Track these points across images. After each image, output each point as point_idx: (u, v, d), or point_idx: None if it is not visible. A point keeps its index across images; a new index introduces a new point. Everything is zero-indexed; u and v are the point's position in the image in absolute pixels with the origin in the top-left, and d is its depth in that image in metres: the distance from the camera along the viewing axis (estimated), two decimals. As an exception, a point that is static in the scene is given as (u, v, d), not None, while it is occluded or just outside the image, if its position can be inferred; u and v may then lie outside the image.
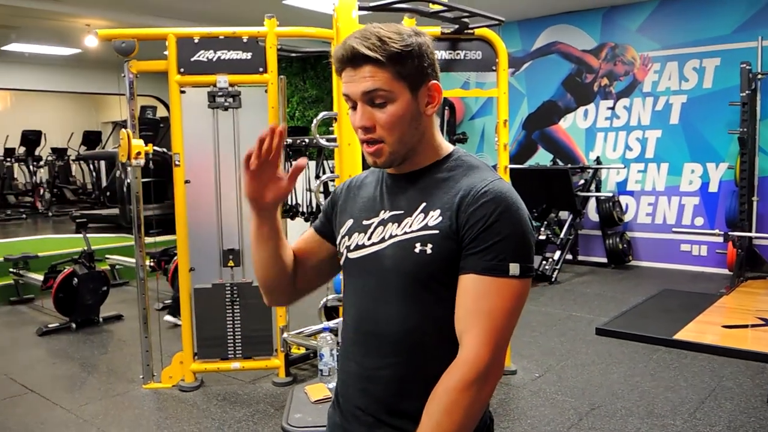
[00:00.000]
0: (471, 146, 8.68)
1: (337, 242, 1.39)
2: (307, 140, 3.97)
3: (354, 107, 1.24)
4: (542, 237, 7.36)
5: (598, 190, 7.65)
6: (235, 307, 3.97)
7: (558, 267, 7.01)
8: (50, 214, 11.82)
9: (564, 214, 7.55)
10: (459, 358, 1.18)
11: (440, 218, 1.21)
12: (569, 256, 7.68)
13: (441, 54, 3.99)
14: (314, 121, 3.66)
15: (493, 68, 4.06)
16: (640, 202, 7.60)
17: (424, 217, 1.23)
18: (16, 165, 12.86)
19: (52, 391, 3.97)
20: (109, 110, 16.15)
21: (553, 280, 6.85)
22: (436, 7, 3.57)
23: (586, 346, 4.66)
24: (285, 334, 4.03)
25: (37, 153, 12.65)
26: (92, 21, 8.56)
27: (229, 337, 3.99)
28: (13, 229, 10.07)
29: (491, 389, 1.19)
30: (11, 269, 6.34)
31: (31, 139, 12.46)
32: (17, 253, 6.51)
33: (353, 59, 1.20)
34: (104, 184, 12.72)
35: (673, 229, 7.10)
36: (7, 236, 9.19)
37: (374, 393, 1.28)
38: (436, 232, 1.21)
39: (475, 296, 1.18)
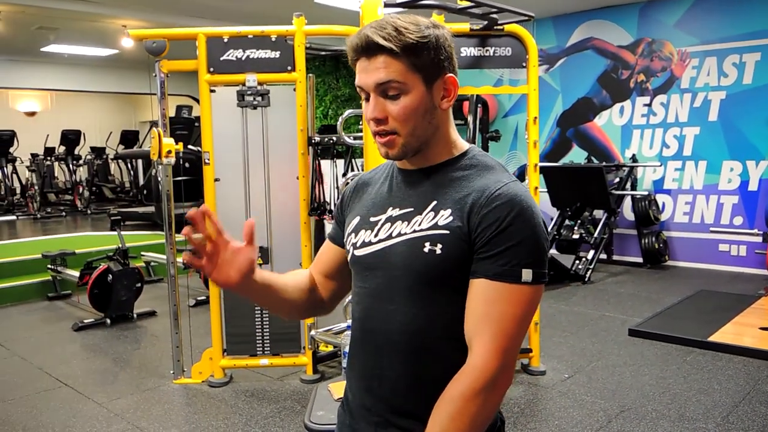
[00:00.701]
0: (504, 144, 8.61)
1: (344, 240, 1.37)
2: (334, 138, 3.96)
3: (367, 98, 1.21)
4: (576, 236, 7.27)
5: (633, 188, 7.51)
6: (263, 304, 3.99)
7: (592, 266, 6.91)
8: (89, 211, 12.06)
9: (598, 213, 7.43)
10: (467, 365, 1.16)
11: (451, 218, 1.19)
12: (603, 256, 7.57)
13: (470, 51, 3.95)
14: (339, 119, 3.66)
15: (523, 65, 4.00)
16: (677, 200, 7.44)
17: (434, 216, 1.20)
18: (56, 164, 13.15)
19: (85, 385, 4.05)
20: (146, 110, 16.42)
21: (586, 279, 6.75)
22: (464, 3, 3.53)
23: (618, 347, 4.58)
24: (313, 332, 4.04)
25: (76, 152, 12.91)
26: (129, 22, 8.71)
27: (257, 334, 4.02)
28: (53, 227, 10.29)
29: (499, 397, 1.17)
30: (49, 266, 6.48)
31: (71, 138, 12.73)
32: (55, 249, 6.66)
33: (367, 49, 1.17)
34: (141, 182, 12.95)
35: (711, 229, 6.95)
36: (46, 233, 9.40)
37: (381, 393, 1.26)
38: (447, 232, 1.18)
39: (485, 302, 1.15)
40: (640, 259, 7.49)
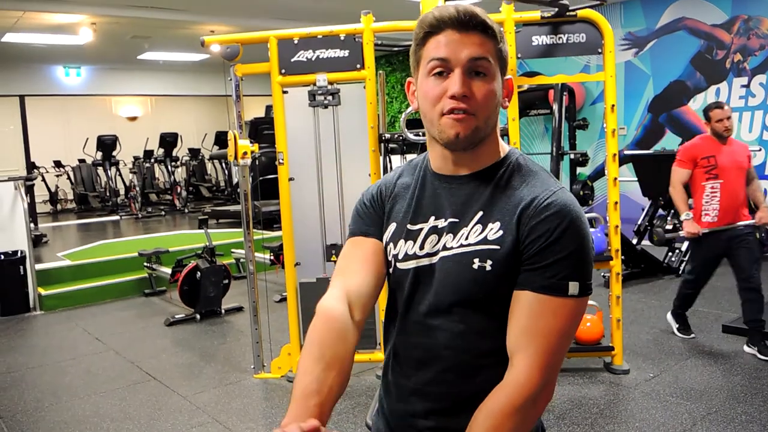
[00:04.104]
0: (592, 133, 8.31)
1: (383, 248, 1.28)
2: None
3: (443, 74, 1.13)
4: (669, 226, 6.92)
5: (731, 175, 7.07)
6: (338, 300, 4.03)
7: (686, 258, 6.56)
8: (186, 210, 12.60)
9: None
10: (508, 379, 1.12)
11: (501, 232, 1.14)
12: (700, 247, 7.17)
13: (541, 39, 3.84)
14: (402, 115, 3.64)
15: (599, 51, 3.85)
16: (780, 187, 6.95)
17: (483, 229, 1.15)
18: (156, 165, 13.81)
19: (171, 378, 4.23)
20: (239, 110, 16.95)
21: (680, 273, 6.43)
22: (531, -9, 3.42)
23: (710, 345, 4.33)
24: (387, 328, 4.05)
25: (174, 154, 13.51)
26: (216, 27, 9.03)
27: (333, 331, 4.06)
28: (153, 226, 10.82)
29: (539, 413, 1.14)
30: (145, 263, 6.82)
31: (169, 140, 13.32)
32: (151, 248, 7.00)
33: (466, 23, 1.12)
34: (235, 181, 13.39)
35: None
36: (147, 232, 9.89)
37: (422, 408, 1.23)
38: (497, 247, 1.13)
39: (529, 315, 1.12)
40: (740, 250, 7.05)
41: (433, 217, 1.22)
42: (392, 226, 1.27)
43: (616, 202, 3.88)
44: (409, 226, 1.24)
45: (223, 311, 5.83)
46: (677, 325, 4.59)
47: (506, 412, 1.09)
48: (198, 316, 5.68)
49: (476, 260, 1.14)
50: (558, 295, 1.10)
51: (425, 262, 1.21)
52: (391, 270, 1.27)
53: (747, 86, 7.09)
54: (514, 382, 1.11)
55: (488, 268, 1.13)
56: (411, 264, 1.22)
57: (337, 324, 1.16)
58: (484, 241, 1.15)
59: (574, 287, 1.10)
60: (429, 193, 1.25)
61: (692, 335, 4.52)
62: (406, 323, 1.25)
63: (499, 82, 1.16)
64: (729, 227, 4.15)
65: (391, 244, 1.26)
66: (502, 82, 1.18)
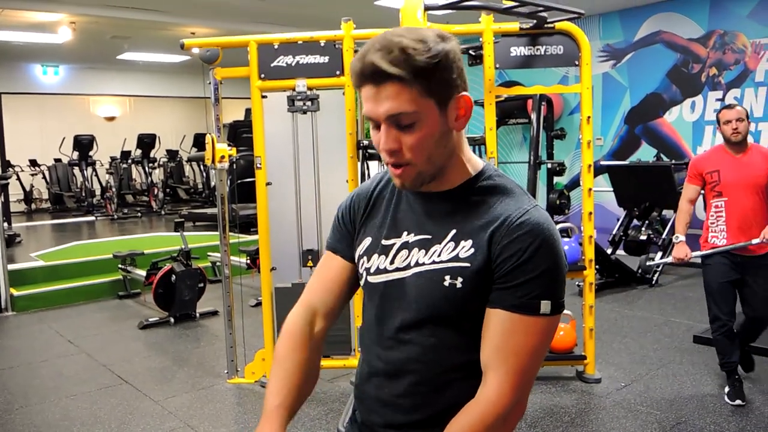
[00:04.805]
0: (570, 143, 8.40)
1: (356, 260, 1.31)
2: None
3: (377, 127, 1.13)
4: (643, 237, 7.01)
5: (705, 187, 7.18)
6: (313, 306, 4.03)
7: (659, 269, 6.66)
8: (163, 212, 12.51)
9: (668, 213, 7.15)
10: (480, 397, 1.14)
11: (472, 249, 1.14)
12: (673, 258, 7.27)
13: (520, 50, 3.88)
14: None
15: (576, 63, 3.89)
16: (752, 200, 7.07)
17: (455, 247, 1.16)
18: (133, 167, 13.70)
19: (144, 382, 4.20)
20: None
21: (653, 283, 6.51)
22: (509, 3, 3.46)
23: (681, 355, 4.39)
24: (362, 335, 4.05)
25: (152, 155, 13.41)
26: (197, 29, 9.00)
27: (308, 336, 4.05)
28: (129, 227, 10.73)
29: (509, 430, 1.16)
30: (120, 265, 6.76)
31: (147, 142, 13.23)
32: (126, 250, 6.94)
33: (374, 76, 1.07)
34: (213, 184, 13.32)
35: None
36: (122, 234, 9.81)
37: (393, 419, 1.24)
38: (467, 265, 1.14)
39: (502, 333, 1.13)
40: (712, 262, 7.15)
41: (405, 232, 1.23)
42: (366, 241, 1.28)
43: (590, 213, 3.93)
44: (383, 242, 1.25)
45: (197, 315, 5.79)
46: (726, 388, 3.62)
47: (476, 429, 1.11)
48: (172, 320, 5.64)
49: (447, 277, 1.15)
50: (530, 314, 1.11)
51: (395, 276, 1.22)
52: (362, 282, 1.29)
53: (722, 100, 7.21)
54: (486, 399, 1.12)
55: (459, 285, 1.14)
56: (381, 278, 1.24)
57: (295, 337, 1.31)
58: (456, 258, 1.15)
59: (545, 306, 1.12)
60: (404, 207, 1.25)
61: (738, 402, 3.51)
62: (378, 335, 1.26)
63: (435, 118, 1.11)
64: (727, 248, 3.54)
65: (365, 258, 1.27)
66: (450, 107, 1.12)
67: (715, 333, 3.61)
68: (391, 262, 1.22)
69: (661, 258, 6.66)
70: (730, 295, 3.58)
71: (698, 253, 3.66)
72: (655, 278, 6.54)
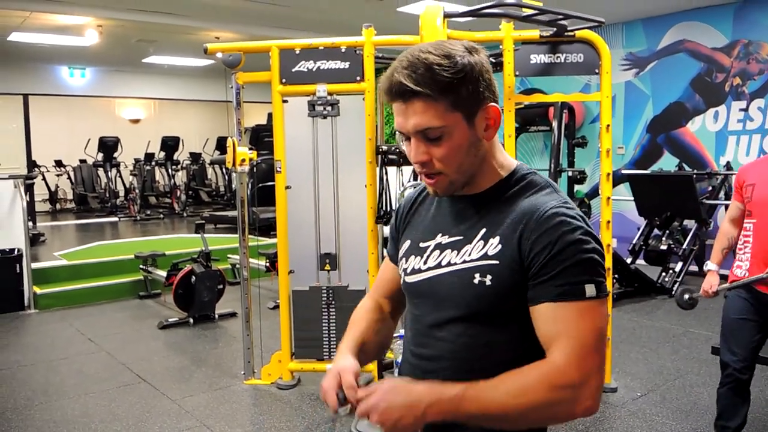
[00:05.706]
0: (591, 151, 8.35)
1: (398, 263, 1.38)
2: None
3: (408, 139, 1.18)
4: (664, 247, 6.95)
5: (727, 197, 7.11)
6: (330, 309, 4.07)
7: (679, 279, 6.60)
8: (185, 214, 12.63)
9: (689, 223, 7.09)
10: (544, 361, 1.11)
11: (500, 246, 1.17)
12: (694, 268, 7.19)
13: (540, 58, 3.88)
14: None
15: (596, 71, 3.89)
16: (776, 211, 6.98)
17: (484, 245, 1.19)
18: (156, 169, 13.86)
19: (161, 381, 4.25)
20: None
21: (673, 293, 6.45)
22: (529, 11, 3.46)
23: (699, 366, 4.36)
24: (378, 339, 4.07)
25: (175, 157, 13.56)
26: (221, 33, 9.09)
27: (324, 339, 4.09)
28: (152, 228, 10.85)
29: (573, 411, 1.10)
30: (141, 266, 6.84)
31: (170, 144, 13.37)
32: (148, 250, 7.02)
33: (402, 94, 1.12)
34: (234, 186, 13.42)
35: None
36: (145, 234, 9.93)
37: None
38: (496, 262, 1.16)
39: (555, 322, 1.12)
40: (734, 273, 7.07)
41: (439, 234, 1.28)
42: (406, 244, 1.35)
43: (608, 221, 3.91)
44: (420, 244, 1.31)
45: (216, 316, 5.85)
46: None
47: (542, 381, 1.08)
48: (191, 320, 5.70)
49: (477, 275, 1.18)
50: (577, 299, 1.10)
51: (428, 275, 1.26)
52: (402, 283, 1.36)
53: (745, 110, 7.14)
54: (551, 363, 1.10)
55: (488, 282, 1.16)
56: (416, 278, 1.29)
57: (366, 305, 1.46)
58: (485, 256, 1.18)
59: (590, 289, 1.11)
60: (439, 211, 1.32)
61: None
62: (414, 333, 1.31)
63: (463, 131, 1.15)
64: (744, 282, 2.91)
65: (404, 260, 1.34)
66: (478, 118, 1.17)
67: (720, 384, 3.07)
68: (425, 263, 1.27)
69: (681, 269, 6.61)
70: (746, 335, 2.92)
71: (722, 286, 3.06)
72: (674, 289, 6.48)
